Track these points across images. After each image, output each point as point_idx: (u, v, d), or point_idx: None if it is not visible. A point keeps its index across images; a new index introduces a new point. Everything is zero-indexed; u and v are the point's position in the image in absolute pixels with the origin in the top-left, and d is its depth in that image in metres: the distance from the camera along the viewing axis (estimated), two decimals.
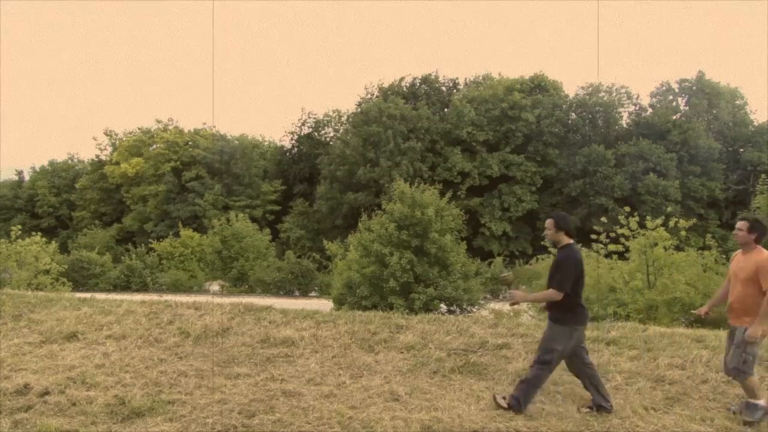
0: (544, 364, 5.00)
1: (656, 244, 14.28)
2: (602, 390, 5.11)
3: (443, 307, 18.36)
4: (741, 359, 4.83)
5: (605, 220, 16.32)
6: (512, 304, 5.28)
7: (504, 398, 5.09)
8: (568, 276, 4.83)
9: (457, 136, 47.99)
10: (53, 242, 25.03)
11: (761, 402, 4.87)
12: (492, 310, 18.24)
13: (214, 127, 62.48)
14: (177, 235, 40.47)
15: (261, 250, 35.05)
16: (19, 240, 20.16)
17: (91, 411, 4.77)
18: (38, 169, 66.93)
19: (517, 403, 4.97)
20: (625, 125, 51.05)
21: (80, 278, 29.67)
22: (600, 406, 5.05)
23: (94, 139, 72.59)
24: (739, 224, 4.90)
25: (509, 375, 5.96)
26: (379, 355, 6.50)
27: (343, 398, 5.21)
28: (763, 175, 17.86)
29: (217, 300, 9.22)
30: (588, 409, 5.06)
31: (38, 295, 9.19)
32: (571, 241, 5.02)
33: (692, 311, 5.82)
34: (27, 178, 68.07)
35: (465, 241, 22.92)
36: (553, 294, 4.85)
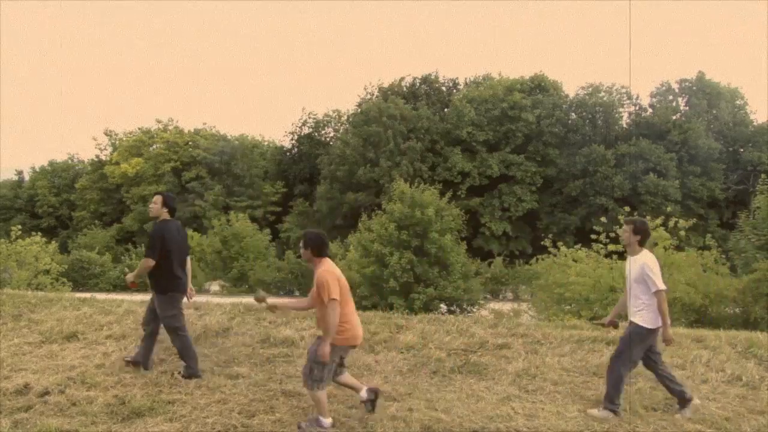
0: (175, 331, 5.65)
1: (656, 244, 14.27)
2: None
3: (443, 307, 18.37)
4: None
5: (605, 220, 16.32)
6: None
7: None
8: (154, 246, 5.47)
9: (457, 136, 47.98)
10: (53, 242, 25.02)
11: None
12: (492, 310, 18.27)
13: (215, 127, 62.60)
14: None
15: (261, 250, 35.04)
16: (19, 240, 20.14)
17: (91, 411, 4.77)
18: (38, 169, 66.90)
19: (191, 372, 5.60)
20: (625, 125, 51.06)
21: (80, 278, 29.65)
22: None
23: (94, 139, 72.67)
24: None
25: (509, 375, 5.96)
26: (379, 355, 6.50)
27: (343, 398, 5.21)
28: (763, 175, 17.86)
29: (217, 300, 9.22)
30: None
31: (38, 295, 9.19)
32: (169, 217, 5.70)
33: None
34: (27, 178, 68.04)
35: (465, 241, 22.94)
36: (145, 262, 5.49)
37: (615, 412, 4.94)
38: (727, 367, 6.23)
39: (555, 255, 17.00)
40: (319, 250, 4.85)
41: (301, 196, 53.95)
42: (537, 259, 20.36)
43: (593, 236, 15.75)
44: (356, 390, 4.89)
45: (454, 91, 54.90)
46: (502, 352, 6.61)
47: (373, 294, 18.03)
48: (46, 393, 5.12)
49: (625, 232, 5.06)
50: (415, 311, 14.33)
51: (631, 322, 5.02)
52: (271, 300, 5.27)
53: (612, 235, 15.52)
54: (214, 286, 33.37)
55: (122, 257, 36.34)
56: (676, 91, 52.04)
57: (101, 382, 5.40)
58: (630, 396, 5.44)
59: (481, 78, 55.85)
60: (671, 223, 15.07)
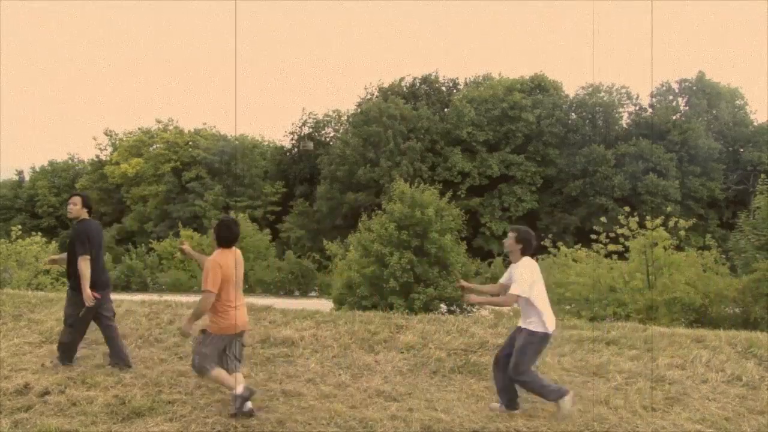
0: (72, 326, 5.82)
1: (656, 244, 14.28)
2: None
3: (443, 307, 18.37)
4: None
5: (605, 220, 16.33)
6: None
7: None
8: (84, 243, 5.72)
9: (457, 136, 47.99)
10: (53, 242, 25.01)
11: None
12: (492, 310, 18.26)
13: (215, 127, 62.61)
14: (177, 235, 40.47)
15: (261, 250, 35.06)
16: (19, 240, 20.15)
17: (91, 411, 4.76)
18: (38, 169, 66.94)
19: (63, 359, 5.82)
20: (625, 125, 51.06)
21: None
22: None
23: (94, 139, 72.61)
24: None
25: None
26: (379, 355, 6.50)
27: (343, 398, 5.21)
28: (763, 175, 17.84)
29: None
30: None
31: (38, 295, 9.19)
32: (88, 217, 6.09)
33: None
34: (27, 178, 68.09)
35: (465, 241, 22.93)
36: (83, 260, 5.66)
37: (562, 394, 4.94)
38: (727, 367, 6.23)
39: (555, 255, 17.00)
40: (223, 240, 4.98)
41: (301, 196, 53.96)
42: (537, 259, 20.36)
43: (593, 236, 15.76)
44: (230, 388, 4.86)
45: (454, 91, 54.91)
46: None
47: (373, 294, 18.02)
48: (46, 393, 5.12)
49: (509, 239, 5.13)
50: (415, 311, 14.32)
51: (523, 329, 5.03)
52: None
53: (612, 235, 15.54)
54: None
55: (122, 257, 36.37)
56: (676, 91, 52.05)
57: (101, 382, 5.40)
58: (630, 396, 5.44)
59: (481, 78, 55.87)
60: (671, 223, 15.08)
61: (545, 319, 4.93)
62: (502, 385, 5.07)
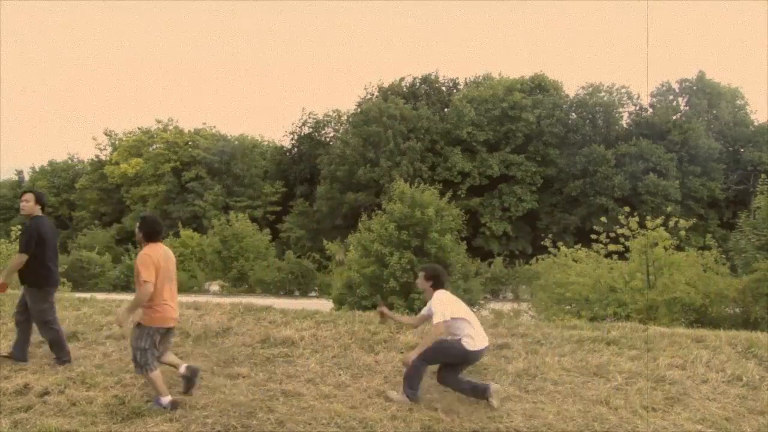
0: (46, 324, 5.89)
1: (656, 244, 14.27)
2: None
3: None
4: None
5: (605, 220, 16.32)
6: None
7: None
8: (29, 242, 5.70)
9: (457, 136, 47.98)
10: None
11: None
12: (492, 310, 18.26)
13: (215, 127, 62.62)
14: (177, 235, 40.46)
15: (261, 250, 35.04)
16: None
17: (91, 411, 4.77)
18: (38, 169, 66.95)
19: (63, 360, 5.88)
20: (625, 125, 51.04)
21: (80, 278, 29.67)
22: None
23: (94, 139, 72.72)
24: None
25: (509, 375, 5.96)
26: (379, 355, 6.50)
27: (343, 398, 5.21)
28: (763, 175, 17.83)
29: (217, 300, 9.22)
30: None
31: None
32: (41, 213, 5.94)
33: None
34: (27, 178, 68.08)
35: (465, 241, 22.93)
36: (18, 257, 5.67)
37: (412, 399, 5.15)
38: (727, 367, 6.22)
39: (555, 255, 16.99)
40: (149, 236, 5.12)
41: (301, 196, 53.96)
42: (537, 259, 20.35)
43: (593, 236, 15.74)
44: (176, 367, 5.22)
45: (454, 91, 54.89)
46: (502, 352, 6.61)
47: (373, 294, 18.01)
48: (46, 393, 5.12)
49: (419, 278, 5.45)
50: (415, 311, 14.32)
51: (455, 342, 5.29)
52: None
53: (612, 235, 15.53)
54: (214, 286, 33.37)
55: (122, 257, 36.35)
56: (677, 91, 52.03)
57: (101, 382, 5.40)
58: (630, 396, 5.44)
59: (481, 78, 55.84)
60: (671, 223, 15.06)
61: (477, 336, 5.22)
62: (469, 389, 5.29)
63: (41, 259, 5.77)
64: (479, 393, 5.22)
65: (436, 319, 5.15)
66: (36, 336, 7.02)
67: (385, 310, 5.83)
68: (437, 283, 5.37)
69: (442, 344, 5.21)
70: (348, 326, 7.34)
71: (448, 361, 5.30)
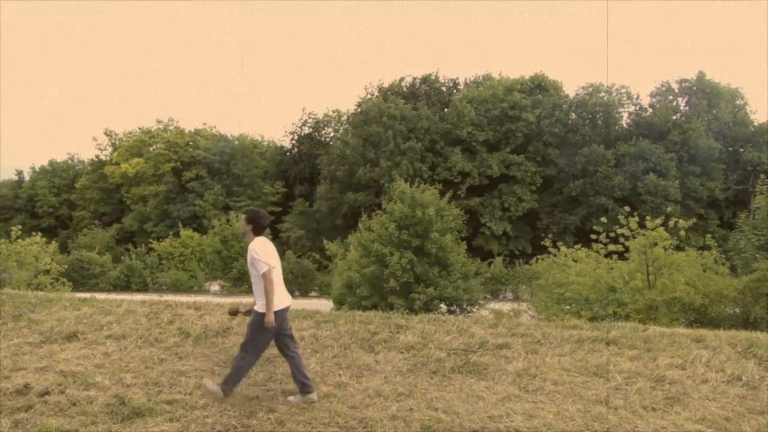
0: None
1: (656, 244, 14.28)
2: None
3: (443, 307, 18.37)
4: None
5: (605, 220, 16.32)
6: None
7: None
8: None
9: (457, 136, 47.96)
10: (53, 242, 25.00)
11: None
12: (492, 310, 18.26)
13: (215, 127, 62.64)
14: (177, 235, 40.49)
15: None
16: (19, 240, 20.12)
17: (91, 411, 4.77)
18: (38, 169, 66.93)
19: None
20: (625, 125, 51.03)
21: (80, 278, 29.68)
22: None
23: (94, 139, 72.61)
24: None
25: (509, 375, 5.96)
26: (379, 355, 6.50)
27: (343, 398, 5.21)
28: (763, 175, 17.80)
29: (217, 300, 9.22)
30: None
31: (38, 295, 9.19)
32: None
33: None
34: (27, 178, 68.07)
35: (465, 241, 22.94)
36: None
37: (226, 393, 5.05)
38: (727, 367, 6.22)
39: (555, 255, 17.00)
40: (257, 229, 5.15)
41: (301, 196, 53.95)
42: (537, 259, 20.36)
43: (593, 236, 15.75)
44: None
45: (454, 91, 54.85)
46: (502, 352, 6.61)
47: (373, 294, 18.01)
48: (46, 393, 5.12)
49: (240, 221, 5.36)
50: (415, 311, 14.33)
51: (253, 310, 5.15)
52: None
53: (612, 235, 15.54)
54: (214, 286, 33.37)
55: (122, 257, 36.35)
56: (676, 91, 52.01)
57: (101, 382, 5.40)
58: (630, 396, 5.44)
59: (481, 78, 55.81)
60: (671, 223, 15.06)
61: (276, 298, 5.04)
62: (290, 368, 5.19)
63: None
64: (303, 388, 5.15)
65: (263, 268, 4.98)
66: (36, 337, 7.03)
67: (235, 309, 5.66)
68: (257, 228, 5.23)
69: (260, 317, 5.02)
70: (348, 326, 7.34)
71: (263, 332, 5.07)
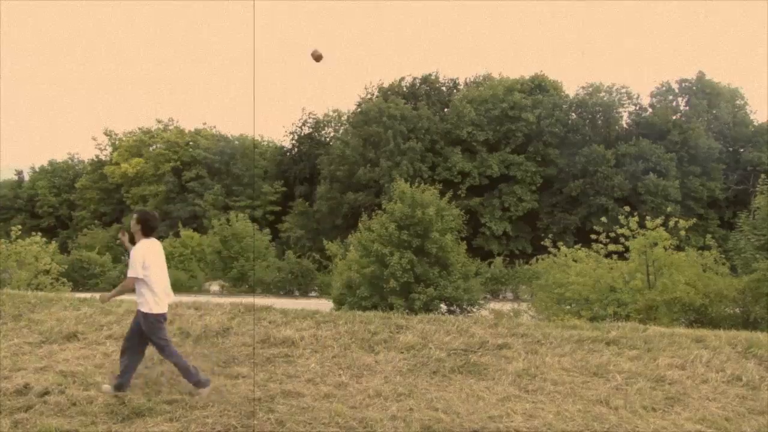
0: None
1: (656, 244, 14.28)
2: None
3: (443, 307, 18.37)
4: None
5: (605, 220, 16.34)
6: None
7: None
8: None
9: (457, 136, 47.97)
10: (53, 242, 24.99)
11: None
12: (492, 310, 18.26)
13: (215, 127, 62.64)
14: (177, 235, 40.47)
15: (261, 250, 35.06)
16: (19, 240, 20.11)
17: (91, 411, 4.76)
18: (38, 169, 66.97)
19: None
20: (625, 125, 51.04)
21: (80, 278, 29.67)
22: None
23: (94, 139, 72.65)
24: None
25: (509, 375, 5.95)
26: (379, 355, 6.49)
27: (343, 398, 5.21)
28: (763, 175, 17.82)
29: (217, 300, 9.23)
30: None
31: (38, 295, 9.19)
32: None
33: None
34: (27, 178, 68.10)
35: (465, 241, 22.94)
36: None
37: (197, 384, 5.14)
38: (727, 367, 6.22)
39: (555, 255, 17.00)
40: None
41: (301, 196, 53.96)
42: (537, 259, 20.36)
43: (593, 236, 15.75)
44: None
45: (454, 91, 54.86)
46: (502, 352, 6.61)
47: (373, 294, 18.02)
48: (46, 393, 5.12)
49: (131, 220, 5.34)
50: (415, 311, 14.33)
51: (137, 311, 5.21)
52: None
53: (612, 235, 15.54)
54: (214, 286, 33.36)
55: (122, 257, 36.35)
56: (676, 91, 52.02)
57: (101, 382, 5.40)
58: (630, 396, 5.44)
59: (481, 78, 55.82)
60: (671, 223, 15.07)
61: (156, 300, 5.13)
62: (123, 367, 5.20)
63: None
64: (190, 377, 5.19)
65: (130, 273, 5.06)
66: (36, 337, 7.03)
67: (103, 296, 5.66)
68: (146, 229, 5.24)
69: (147, 319, 5.09)
70: (348, 326, 7.34)
71: (161, 328, 5.19)
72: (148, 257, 5.13)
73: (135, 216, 5.30)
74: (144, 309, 5.11)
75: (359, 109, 51.39)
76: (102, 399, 4.99)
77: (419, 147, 47.12)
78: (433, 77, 54.74)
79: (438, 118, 49.75)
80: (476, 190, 47.51)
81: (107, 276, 32.22)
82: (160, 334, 5.18)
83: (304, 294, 31.04)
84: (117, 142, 60.74)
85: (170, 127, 59.96)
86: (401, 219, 18.13)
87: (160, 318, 5.17)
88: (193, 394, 5.09)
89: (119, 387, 5.11)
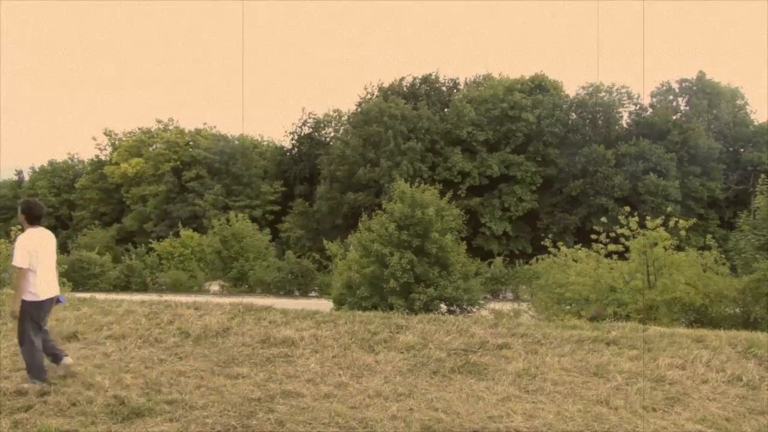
0: None
1: (656, 244, 14.28)
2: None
3: (443, 307, 18.37)
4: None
5: (605, 220, 16.34)
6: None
7: None
8: None
9: (457, 136, 47.95)
10: None
11: None
12: (492, 310, 18.27)
13: (215, 127, 62.61)
14: (177, 235, 40.47)
15: (261, 250, 35.04)
16: None
17: (91, 411, 4.76)
18: (38, 169, 66.96)
19: None
20: (625, 125, 51.02)
21: (80, 278, 29.65)
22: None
23: (94, 139, 72.57)
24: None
25: (509, 375, 5.95)
26: (379, 355, 6.49)
27: (343, 398, 5.21)
28: (763, 175, 17.82)
29: (217, 300, 9.23)
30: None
31: None
32: None
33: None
34: (27, 178, 68.10)
35: (465, 241, 22.95)
36: None
37: (44, 380, 5.22)
38: (727, 367, 6.22)
39: (555, 255, 17.00)
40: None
41: (301, 196, 53.93)
42: (537, 259, 20.36)
43: (593, 236, 15.75)
44: None
45: (454, 91, 54.83)
46: (502, 352, 6.61)
47: (373, 294, 18.02)
48: (46, 393, 5.12)
49: (18, 212, 5.40)
50: (415, 311, 14.33)
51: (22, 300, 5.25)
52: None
53: (612, 235, 15.54)
54: (214, 286, 33.35)
55: (122, 257, 36.36)
56: (677, 91, 52.00)
57: (101, 382, 5.40)
58: (630, 396, 5.44)
59: (481, 78, 55.78)
60: (671, 223, 15.07)
61: (39, 288, 5.20)
62: (46, 351, 5.37)
63: None
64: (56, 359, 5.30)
65: (15, 262, 5.10)
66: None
67: (14, 312, 5.40)
68: (31, 218, 5.28)
69: (24, 306, 5.14)
70: (348, 326, 7.34)
71: (35, 317, 5.24)
72: (31, 245, 5.20)
73: (19, 206, 5.38)
74: (27, 298, 5.17)
75: (359, 109, 51.36)
76: (102, 399, 4.99)
77: (419, 147, 47.10)
78: (433, 77, 54.71)
79: (438, 118, 49.71)
80: (476, 190, 47.49)
81: (107, 276, 32.22)
82: (33, 321, 5.22)
83: (304, 294, 31.03)
84: (117, 142, 60.71)
85: (170, 127, 59.92)
86: (401, 219, 18.13)
87: (38, 305, 5.23)
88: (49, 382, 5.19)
89: (56, 359, 5.33)
